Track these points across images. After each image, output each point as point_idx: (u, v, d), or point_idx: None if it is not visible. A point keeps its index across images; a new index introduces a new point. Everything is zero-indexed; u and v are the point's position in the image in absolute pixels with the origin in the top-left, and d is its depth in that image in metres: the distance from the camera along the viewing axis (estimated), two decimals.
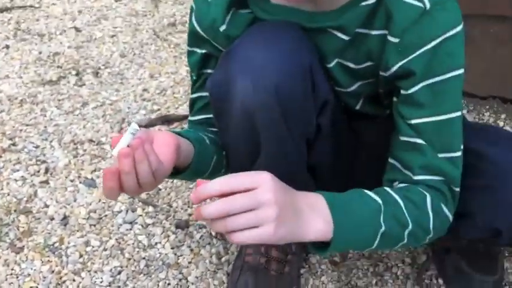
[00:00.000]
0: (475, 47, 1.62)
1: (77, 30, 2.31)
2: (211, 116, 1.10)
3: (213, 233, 1.35)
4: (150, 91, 1.93)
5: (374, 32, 0.95)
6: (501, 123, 1.71)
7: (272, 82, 0.92)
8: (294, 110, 0.96)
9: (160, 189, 1.48)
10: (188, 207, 1.43)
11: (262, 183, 0.80)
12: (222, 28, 1.01)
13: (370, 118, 1.13)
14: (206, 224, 0.81)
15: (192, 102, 1.15)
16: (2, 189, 1.45)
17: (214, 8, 1.00)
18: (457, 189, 0.97)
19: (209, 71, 1.08)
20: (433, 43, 0.90)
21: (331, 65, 1.01)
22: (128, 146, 0.81)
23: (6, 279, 1.22)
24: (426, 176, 0.95)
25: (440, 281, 1.26)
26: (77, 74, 2.00)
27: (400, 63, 0.93)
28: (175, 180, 1.51)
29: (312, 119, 1.01)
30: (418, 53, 0.91)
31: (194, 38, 1.05)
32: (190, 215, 1.40)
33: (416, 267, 1.28)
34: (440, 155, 0.95)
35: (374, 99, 1.07)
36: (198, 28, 1.03)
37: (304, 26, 0.97)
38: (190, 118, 1.16)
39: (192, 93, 1.14)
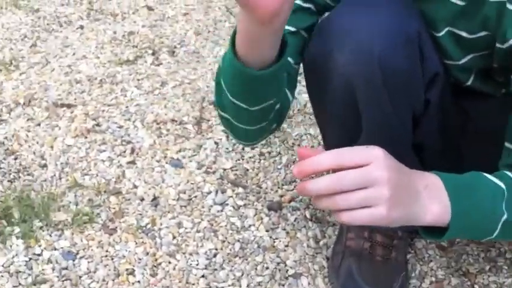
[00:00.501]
0: None
1: (149, 9, 2.28)
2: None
3: (308, 216, 1.30)
4: None
5: None
6: None
7: (374, 54, 0.86)
8: (399, 84, 0.89)
9: (248, 170, 1.44)
10: (278, 188, 1.38)
11: (375, 159, 0.73)
12: None
13: (482, 96, 1.05)
14: (313, 201, 0.74)
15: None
16: (90, 170, 1.43)
17: None
18: None
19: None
20: None
21: (441, 34, 0.93)
22: None
23: (101, 261, 1.20)
24: None
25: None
26: (153, 54, 1.96)
27: None
28: (262, 161, 1.47)
29: (420, 93, 0.94)
30: None
31: None
32: (281, 196, 1.36)
33: None
34: None
35: (487, 75, 0.99)
36: None
37: None
38: None
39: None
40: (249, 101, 0.87)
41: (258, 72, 0.80)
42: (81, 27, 2.14)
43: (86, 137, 1.54)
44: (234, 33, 0.79)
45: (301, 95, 1.66)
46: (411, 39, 0.89)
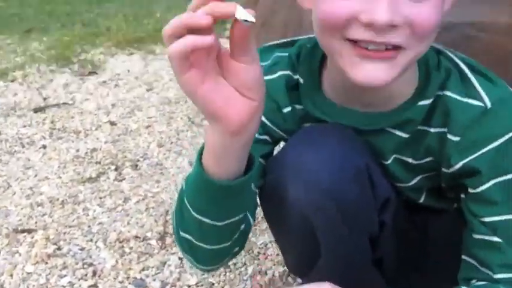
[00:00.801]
0: None
1: (112, 124, 2.31)
2: None
3: None
4: None
5: (433, 130, 0.91)
6: None
7: (326, 186, 0.88)
8: (353, 212, 0.91)
9: (213, 284, 1.40)
10: None
11: None
12: (286, 110, 0.97)
13: (436, 211, 1.07)
14: None
15: None
16: None
17: (275, 93, 0.96)
18: None
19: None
20: (499, 141, 0.86)
21: (389, 161, 0.97)
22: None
23: None
24: (508, 274, 0.87)
25: None
26: (116, 169, 1.97)
27: (463, 161, 0.88)
28: (227, 273, 1.44)
29: (374, 217, 0.97)
30: (482, 151, 0.86)
31: None
32: None
33: None
34: None
35: (438, 193, 1.01)
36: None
37: (361, 128, 0.92)
38: None
39: None
40: (216, 215, 0.85)
41: (227, 183, 0.79)
42: (44, 146, 2.15)
43: (47, 263, 1.50)
44: (201, 149, 0.80)
45: None
46: (360, 171, 0.91)
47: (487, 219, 0.89)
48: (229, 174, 0.79)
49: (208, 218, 0.85)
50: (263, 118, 0.96)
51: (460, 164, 0.89)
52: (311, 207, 0.89)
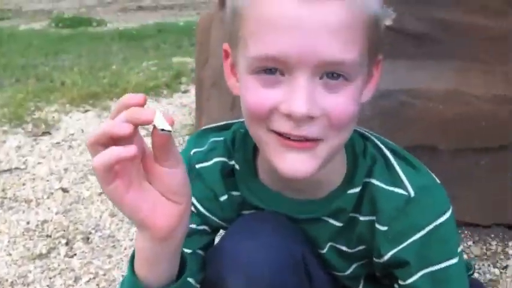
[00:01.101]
0: (469, 179, 1.60)
1: (64, 191, 2.28)
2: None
3: None
4: None
5: (362, 218, 0.92)
6: (510, 251, 1.65)
7: (266, 277, 0.88)
8: None
9: None
10: None
11: None
12: (223, 198, 0.98)
13: None
14: None
15: None
16: None
17: (211, 181, 0.97)
18: None
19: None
20: (423, 232, 0.88)
21: (325, 250, 0.98)
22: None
23: None
24: None
25: None
26: (66, 244, 1.94)
27: (391, 252, 0.90)
28: None
29: None
30: (408, 242, 0.88)
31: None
32: None
33: None
34: None
35: (376, 281, 1.03)
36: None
37: (296, 217, 0.94)
38: None
39: None
40: None
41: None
42: None
43: None
44: (133, 256, 0.80)
45: None
46: (297, 262, 0.92)
47: None
48: (161, 280, 0.80)
49: None
50: (200, 207, 0.98)
51: (389, 254, 0.90)
52: None
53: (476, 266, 1.60)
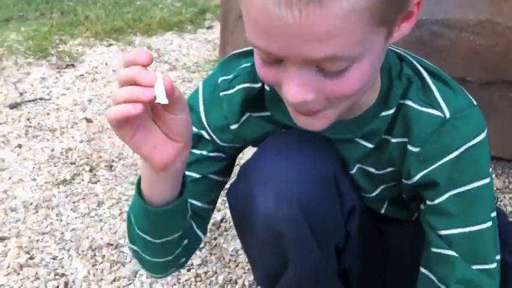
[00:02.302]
0: (495, 111, 1.57)
1: (88, 121, 2.29)
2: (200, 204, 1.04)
3: None
4: None
5: (394, 140, 0.91)
6: None
7: (295, 195, 0.88)
8: (321, 221, 0.92)
9: None
10: None
11: None
12: (233, 127, 0.97)
13: (398, 221, 1.08)
14: None
15: None
16: None
17: (228, 110, 0.97)
18: None
19: (198, 152, 1.02)
20: (456, 153, 0.86)
21: (353, 171, 0.97)
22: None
23: None
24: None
25: None
26: (90, 170, 1.96)
27: (422, 173, 0.89)
28: (198, 283, 1.44)
29: (341, 227, 0.97)
30: (440, 163, 0.87)
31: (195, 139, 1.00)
32: None
33: None
34: (475, 267, 0.89)
35: (399, 203, 1.02)
36: (204, 132, 0.99)
37: (327, 137, 0.92)
38: None
39: None
40: (153, 234, 0.93)
41: (157, 209, 0.88)
42: (19, 146, 2.13)
43: (19, 274, 1.50)
44: (139, 179, 0.88)
45: None
46: (328, 180, 0.92)
47: (443, 232, 0.90)
48: (162, 199, 0.87)
49: (148, 235, 0.93)
50: (214, 136, 0.99)
51: (419, 175, 0.90)
52: (280, 218, 0.89)
53: (498, 199, 1.58)
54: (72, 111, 2.38)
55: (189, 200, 0.96)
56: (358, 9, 0.66)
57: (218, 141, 0.99)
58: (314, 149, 0.91)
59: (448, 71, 0.87)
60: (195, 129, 0.98)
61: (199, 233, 1.04)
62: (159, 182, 0.85)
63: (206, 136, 0.99)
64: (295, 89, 0.73)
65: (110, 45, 3.00)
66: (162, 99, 0.72)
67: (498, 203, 1.57)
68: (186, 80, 2.62)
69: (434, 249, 0.91)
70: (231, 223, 1.64)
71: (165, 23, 3.26)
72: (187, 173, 0.94)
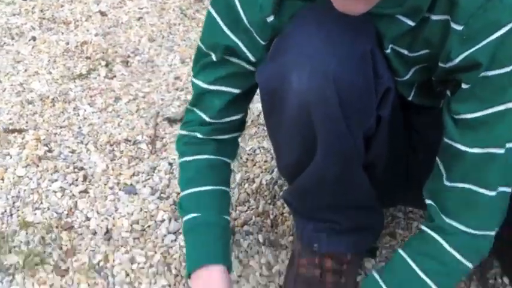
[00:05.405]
0: None
1: (103, 14, 2.24)
2: (235, 117, 1.06)
3: (261, 240, 1.30)
4: (183, 79, 1.86)
5: (435, 17, 0.86)
6: None
7: (329, 73, 0.86)
8: (353, 102, 0.90)
9: None
10: (231, 209, 1.37)
11: None
12: (270, 19, 0.93)
13: (424, 109, 1.06)
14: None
15: (203, 97, 1.08)
16: (41, 203, 1.41)
17: None
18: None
19: (237, 61, 1.00)
20: (502, 31, 0.82)
21: (388, 51, 0.93)
22: None
23: None
24: (465, 185, 0.92)
25: (506, 280, 1.18)
26: (106, 65, 1.93)
27: (465, 54, 0.85)
28: None
29: (372, 110, 0.95)
30: (485, 42, 0.83)
31: (232, 20, 0.97)
32: (235, 219, 1.35)
33: (480, 266, 1.20)
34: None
35: (427, 89, 0.99)
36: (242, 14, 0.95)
37: (370, 11, 0.87)
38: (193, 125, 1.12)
39: (205, 81, 1.06)
40: None
41: None
42: (34, 38, 2.09)
43: (38, 166, 1.51)
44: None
45: (255, 104, 1.61)
46: (365, 57, 0.89)
47: (467, 116, 0.89)
48: None
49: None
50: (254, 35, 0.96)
51: (461, 56, 0.86)
52: (312, 95, 0.88)
53: None
54: (86, 3, 2.31)
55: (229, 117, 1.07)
56: None
57: (259, 40, 0.96)
58: (352, 22, 0.87)
59: None
60: (232, 35, 0.97)
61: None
62: None
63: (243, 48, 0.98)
64: None
65: None
66: None
67: None
68: None
69: (446, 140, 0.92)
70: (249, 122, 1.63)
71: None
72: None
